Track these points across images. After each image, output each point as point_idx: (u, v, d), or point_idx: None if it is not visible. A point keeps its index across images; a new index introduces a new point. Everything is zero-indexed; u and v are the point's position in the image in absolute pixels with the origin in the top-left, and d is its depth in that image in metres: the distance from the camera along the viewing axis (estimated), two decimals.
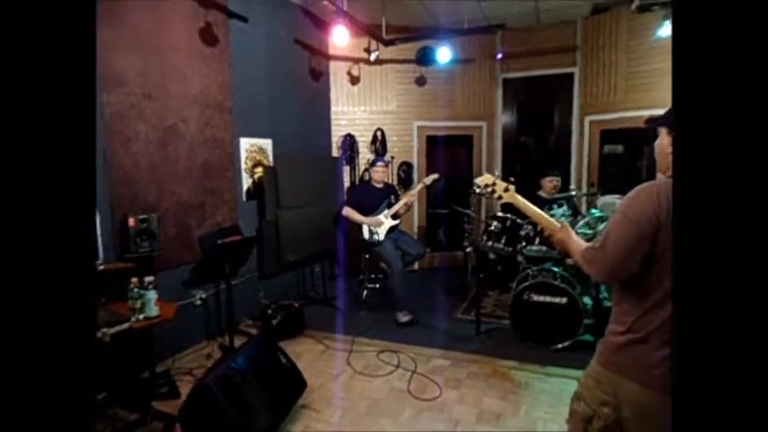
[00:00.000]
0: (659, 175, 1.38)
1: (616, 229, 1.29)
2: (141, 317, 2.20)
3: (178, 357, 3.35)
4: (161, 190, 3.24)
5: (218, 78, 3.72)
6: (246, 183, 4.16)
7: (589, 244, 1.41)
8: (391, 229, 4.27)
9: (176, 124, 3.34)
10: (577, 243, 1.51)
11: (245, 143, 4.12)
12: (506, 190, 1.72)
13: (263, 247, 4.23)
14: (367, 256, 4.73)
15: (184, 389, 2.89)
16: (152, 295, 2.22)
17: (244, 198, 4.13)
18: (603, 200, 4.74)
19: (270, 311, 3.68)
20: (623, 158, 5.46)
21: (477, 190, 1.96)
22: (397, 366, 3.21)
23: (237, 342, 3.45)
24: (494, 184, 1.74)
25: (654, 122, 1.43)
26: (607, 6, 5.04)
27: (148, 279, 2.23)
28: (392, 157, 5.62)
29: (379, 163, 4.37)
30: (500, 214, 3.66)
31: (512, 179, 1.80)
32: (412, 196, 4.32)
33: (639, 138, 5.07)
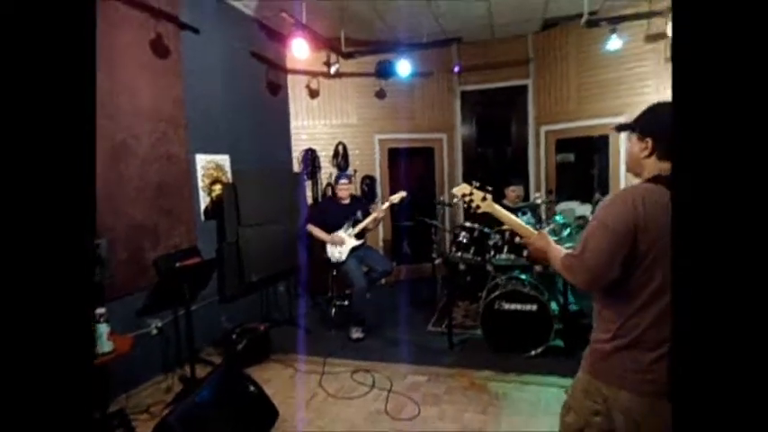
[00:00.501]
0: (635, 182, 1.40)
1: (594, 235, 1.29)
2: None
3: (134, 393, 3.07)
4: (112, 211, 2.99)
5: (170, 92, 3.52)
6: (204, 201, 3.94)
7: (568, 251, 1.40)
8: (356, 248, 4.13)
9: (127, 140, 3.12)
10: (557, 250, 1.50)
11: (202, 160, 3.91)
12: (484, 199, 1.71)
13: (224, 268, 4.01)
14: (334, 272, 4.59)
15: (142, 429, 2.64)
16: (104, 329, 2.01)
17: (202, 218, 3.91)
18: (562, 206, 4.89)
19: (234, 336, 3.46)
20: (575, 166, 5.68)
21: (455, 200, 1.93)
22: (373, 386, 3.09)
23: (200, 372, 3.22)
24: (471, 193, 1.72)
25: (624, 128, 1.45)
26: (556, 22, 5.26)
27: (99, 311, 2.02)
28: (355, 171, 5.55)
29: (343, 180, 4.23)
30: (468, 224, 3.66)
31: (489, 188, 1.78)
32: (378, 215, 4.17)
33: (591, 146, 5.30)
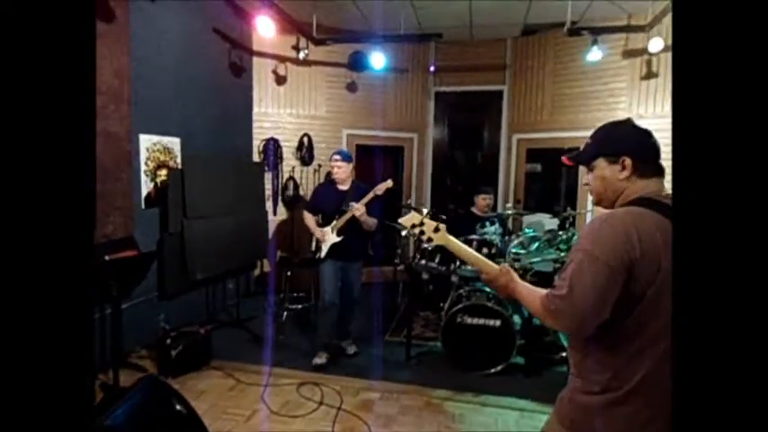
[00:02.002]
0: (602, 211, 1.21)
1: (583, 272, 1.07)
2: None
3: None
4: None
5: (113, 61, 3.12)
6: (147, 187, 3.54)
7: (547, 291, 1.17)
8: (336, 249, 3.33)
9: None
10: (527, 288, 1.28)
11: (147, 140, 3.51)
12: (437, 230, 1.44)
13: (165, 262, 3.62)
14: (288, 273, 4.29)
15: None
16: None
17: (142, 205, 3.51)
18: (530, 218, 4.79)
19: (168, 341, 3.10)
20: (542, 177, 5.62)
21: (404, 232, 1.69)
22: (321, 403, 2.82)
23: (127, 380, 2.85)
24: (421, 224, 1.44)
25: (587, 156, 1.25)
26: (536, 29, 5.15)
27: None
28: (319, 165, 5.25)
29: (336, 156, 3.35)
30: None
31: (443, 217, 1.57)
32: (358, 209, 3.21)
33: (560, 158, 5.23)
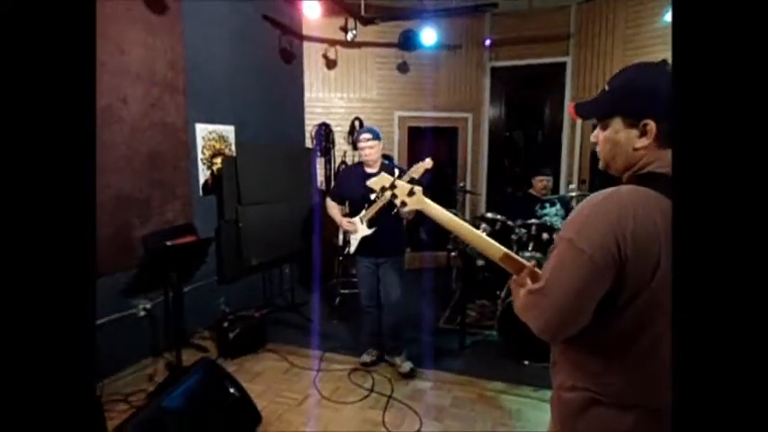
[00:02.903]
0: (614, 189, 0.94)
1: (564, 265, 0.88)
2: None
3: (114, 379, 2.86)
4: None
5: (167, 53, 3.20)
6: (204, 175, 3.66)
7: (534, 285, 0.96)
8: (371, 244, 2.89)
9: (113, 104, 2.82)
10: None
11: (202, 130, 3.61)
12: (411, 193, 1.23)
13: (223, 248, 3.74)
14: (340, 257, 4.28)
15: (119, 419, 2.42)
16: None
17: (200, 192, 3.63)
18: None
19: (226, 324, 3.20)
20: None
21: (372, 196, 1.53)
22: (371, 390, 2.79)
23: (190, 359, 2.99)
24: (393, 186, 1.24)
25: (601, 112, 0.99)
26: None
27: None
28: None
29: (366, 135, 2.90)
30: (490, 215, 3.27)
31: (418, 180, 1.38)
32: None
33: None
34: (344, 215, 3.05)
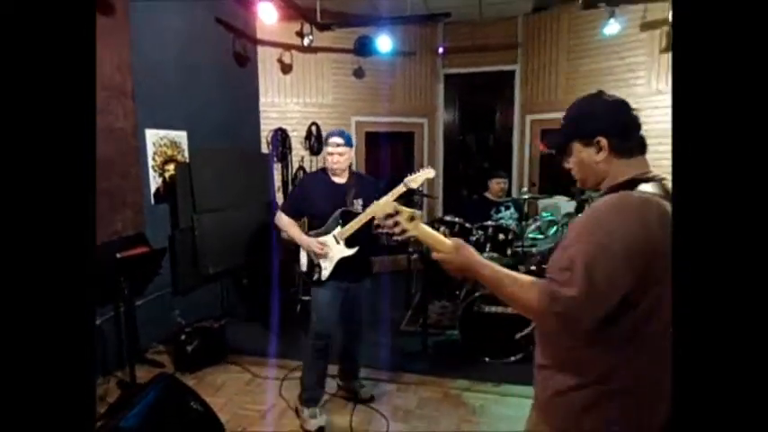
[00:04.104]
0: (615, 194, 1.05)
1: (598, 269, 0.92)
2: None
3: None
4: None
5: (113, 56, 3.05)
6: (156, 183, 3.51)
7: (539, 282, 1.00)
8: (344, 265, 2.46)
9: None
10: (497, 271, 1.08)
11: (153, 135, 3.46)
12: (411, 219, 1.23)
13: (178, 258, 3.60)
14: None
15: None
16: None
17: (152, 201, 3.48)
18: (546, 202, 4.64)
19: (183, 336, 3.08)
20: (557, 158, 5.44)
21: (376, 221, 1.53)
22: (335, 395, 2.78)
23: (145, 375, 2.85)
24: (396, 212, 1.22)
25: (561, 141, 1.15)
26: (548, 4, 4.95)
27: None
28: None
29: (337, 140, 2.45)
30: (448, 218, 3.36)
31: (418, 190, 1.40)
32: (384, 207, 2.11)
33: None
34: (306, 233, 2.53)
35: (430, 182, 5.69)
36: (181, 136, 3.75)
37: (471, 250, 1.15)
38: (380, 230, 1.38)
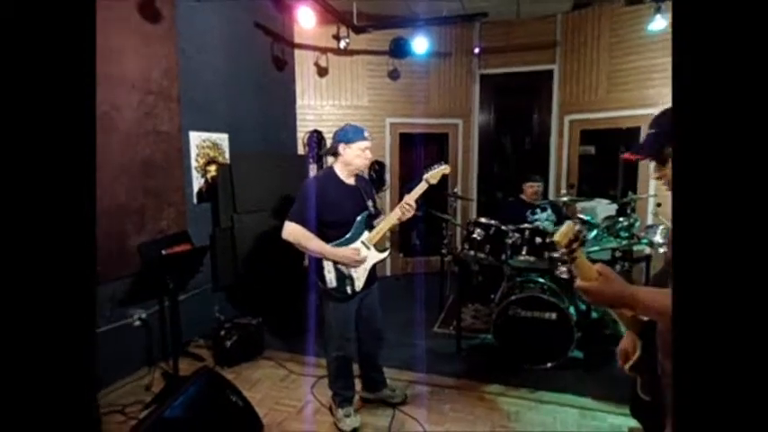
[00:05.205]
0: None
1: None
2: None
3: (110, 390, 2.83)
4: None
5: (161, 62, 3.20)
6: (198, 183, 3.65)
7: None
8: (369, 273, 2.37)
9: (108, 113, 2.81)
10: (660, 291, 0.98)
11: (196, 138, 3.60)
12: (582, 244, 1.12)
13: (218, 255, 3.72)
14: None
15: None
16: None
17: (195, 200, 3.62)
18: (584, 204, 4.50)
19: (222, 332, 3.19)
20: (596, 160, 5.28)
21: (558, 252, 1.38)
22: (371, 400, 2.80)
23: (186, 368, 2.97)
24: (576, 238, 1.08)
25: (656, 148, 1.15)
26: (589, 2, 4.81)
27: None
28: None
29: (366, 136, 2.36)
30: (483, 220, 3.31)
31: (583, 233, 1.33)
32: (407, 207, 2.33)
33: (617, 139, 4.88)
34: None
35: (464, 183, 5.66)
36: (222, 138, 3.88)
37: (621, 279, 1.06)
38: (558, 254, 1.30)
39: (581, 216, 3.53)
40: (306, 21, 3.77)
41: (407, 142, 5.54)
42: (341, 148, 2.35)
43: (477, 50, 5.34)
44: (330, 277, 2.31)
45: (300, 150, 5.13)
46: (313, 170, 5.08)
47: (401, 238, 5.61)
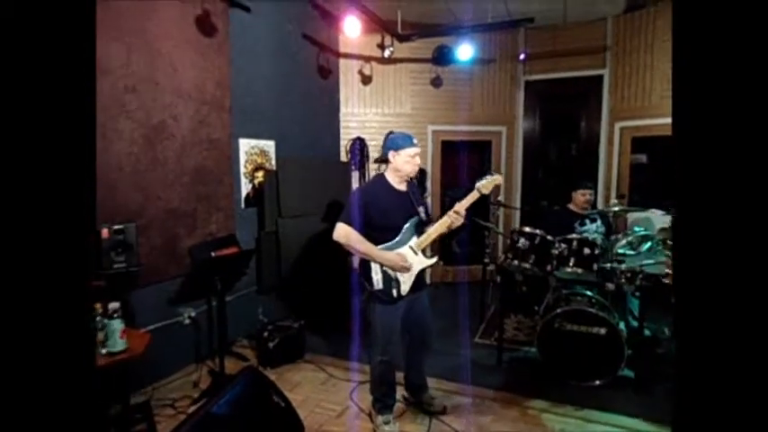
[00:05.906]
0: None
1: None
2: (103, 351, 1.81)
3: (163, 384, 2.96)
4: (146, 196, 2.86)
5: (215, 73, 3.36)
6: (246, 188, 3.78)
7: None
8: (417, 278, 2.40)
9: (165, 122, 2.98)
10: None
11: (245, 145, 3.75)
12: None
13: (263, 259, 3.83)
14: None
15: (165, 425, 2.50)
16: (117, 326, 1.83)
17: (242, 205, 3.75)
18: (637, 215, 4.30)
19: (266, 333, 3.27)
20: (648, 168, 5.03)
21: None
22: (410, 404, 2.78)
23: (231, 367, 3.08)
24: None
25: None
26: (643, 3, 4.62)
27: (113, 306, 1.84)
28: None
29: (415, 143, 2.41)
30: (528, 230, 3.23)
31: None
32: (456, 216, 2.32)
33: (672, 147, 4.62)
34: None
35: (508, 192, 5.55)
36: (269, 145, 4.01)
37: None
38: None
39: (636, 228, 3.37)
40: (351, 30, 3.85)
41: (449, 150, 5.51)
42: (390, 155, 2.42)
43: (522, 56, 5.25)
44: (377, 278, 2.35)
45: (343, 157, 5.22)
46: (355, 177, 5.15)
47: (441, 245, 5.56)
